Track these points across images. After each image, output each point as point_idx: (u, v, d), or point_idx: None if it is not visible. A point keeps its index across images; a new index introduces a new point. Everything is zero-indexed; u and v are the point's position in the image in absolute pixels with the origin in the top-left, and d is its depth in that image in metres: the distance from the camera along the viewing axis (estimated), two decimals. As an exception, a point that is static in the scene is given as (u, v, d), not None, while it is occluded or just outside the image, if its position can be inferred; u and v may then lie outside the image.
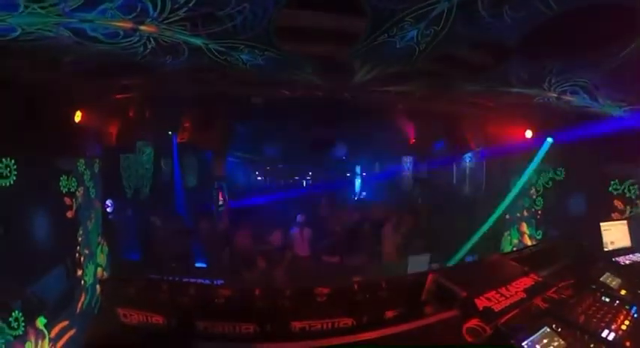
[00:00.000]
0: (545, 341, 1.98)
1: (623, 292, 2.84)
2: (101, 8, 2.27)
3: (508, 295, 2.47)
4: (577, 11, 2.30)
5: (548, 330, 2.06)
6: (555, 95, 3.91)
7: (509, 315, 2.26)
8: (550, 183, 5.41)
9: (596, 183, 4.67)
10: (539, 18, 2.40)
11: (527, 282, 2.73)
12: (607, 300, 2.62)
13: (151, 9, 2.36)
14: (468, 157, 7.38)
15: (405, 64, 3.44)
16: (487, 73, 3.69)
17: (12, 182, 2.74)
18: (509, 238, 6.07)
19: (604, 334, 2.15)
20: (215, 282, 4.74)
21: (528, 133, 5.41)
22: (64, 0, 2.10)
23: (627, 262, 3.49)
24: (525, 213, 5.81)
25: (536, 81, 3.68)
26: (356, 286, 2.74)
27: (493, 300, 2.38)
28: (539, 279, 2.80)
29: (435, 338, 2.14)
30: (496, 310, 2.26)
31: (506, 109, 5.27)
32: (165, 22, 2.55)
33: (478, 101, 5.18)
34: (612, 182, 4.54)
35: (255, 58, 3.33)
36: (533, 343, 1.93)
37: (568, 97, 3.90)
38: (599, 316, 2.37)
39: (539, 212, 5.58)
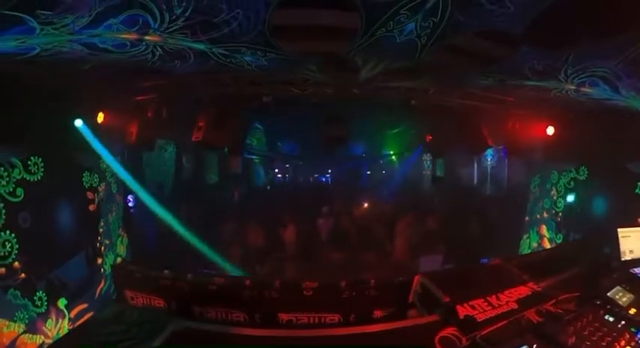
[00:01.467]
0: (520, 363, 1.85)
1: (632, 311, 2.43)
2: (106, 24, 2.49)
3: (497, 305, 2.29)
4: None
5: (527, 349, 1.87)
6: (573, 87, 3.66)
7: (493, 327, 2.09)
8: (572, 183, 5.06)
9: (621, 184, 4.31)
10: (546, 2, 2.27)
11: (522, 291, 2.52)
12: (610, 319, 2.25)
13: (151, 21, 2.55)
14: (488, 155, 7.08)
15: (411, 58, 3.37)
16: (498, 65, 3.51)
17: (40, 178, 3.09)
18: (528, 241, 5.77)
19: (596, 360, 1.87)
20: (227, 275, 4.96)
21: (550, 130, 5.07)
22: (73, 20, 2.32)
23: (646, 274, 3.17)
24: (545, 215, 5.48)
25: (552, 72, 3.46)
26: (344, 283, 2.78)
27: (478, 309, 2.21)
28: (538, 289, 2.62)
29: (408, 343, 2.13)
30: (478, 320, 2.12)
31: (526, 105, 4.98)
32: (167, 31, 2.74)
33: (495, 96, 4.94)
34: (639, 183, 4.18)
35: (258, 59, 3.44)
36: (506, 364, 1.82)
37: (587, 89, 3.63)
38: (595, 338, 2.04)
39: (560, 214, 5.24)
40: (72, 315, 3.27)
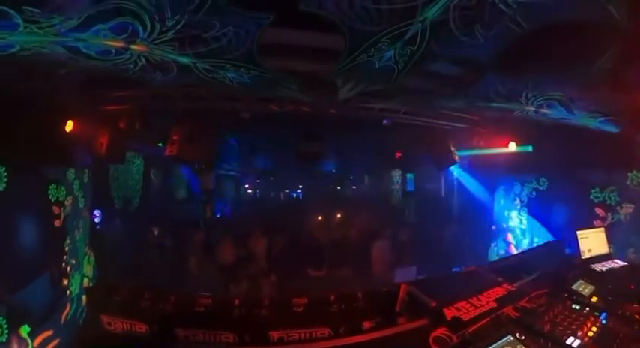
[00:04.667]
0: (506, 349, 2.02)
1: (594, 298, 2.83)
2: (95, 29, 2.43)
3: (478, 305, 2.47)
4: (546, 29, 2.47)
5: (512, 338, 2.04)
6: (533, 108, 4.08)
7: (478, 324, 2.25)
8: (534, 193, 5.56)
9: (577, 192, 4.80)
10: (511, 36, 2.57)
11: (499, 291, 2.73)
12: (577, 307, 2.58)
13: (141, 30, 2.53)
14: (455, 170, 7.56)
15: (387, 82, 3.59)
16: (466, 89, 3.84)
17: (3, 189, 2.82)
18: (496, 248, 6.15)
19: (569, 341, 2.13)
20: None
21: (512, 146, 5.56)
22: (61, 21, 2.25)
23: (603, 268, 3.53)
24: (511, 223, 5.92)
25: (514, 95, 3.85)
26: (332, 297, 2.79)
27: (463, 309, 2.37)
28: (512, 288, 2.84)
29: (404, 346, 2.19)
30: (464, 320, 2.25)
31: (490, 124, 5.44)
32: (154, 42, 2.70)
33: (462, 116, 5.35)
34: (593, 190, 4.68)
35: (241, 76, 3.48)
36: (494, 351, 1.98)
37: (545, 110, 4.07)
38: (566, 323, 2.34)
39: (524, 222, 5.68)
40: (36, 344, 2.90)
